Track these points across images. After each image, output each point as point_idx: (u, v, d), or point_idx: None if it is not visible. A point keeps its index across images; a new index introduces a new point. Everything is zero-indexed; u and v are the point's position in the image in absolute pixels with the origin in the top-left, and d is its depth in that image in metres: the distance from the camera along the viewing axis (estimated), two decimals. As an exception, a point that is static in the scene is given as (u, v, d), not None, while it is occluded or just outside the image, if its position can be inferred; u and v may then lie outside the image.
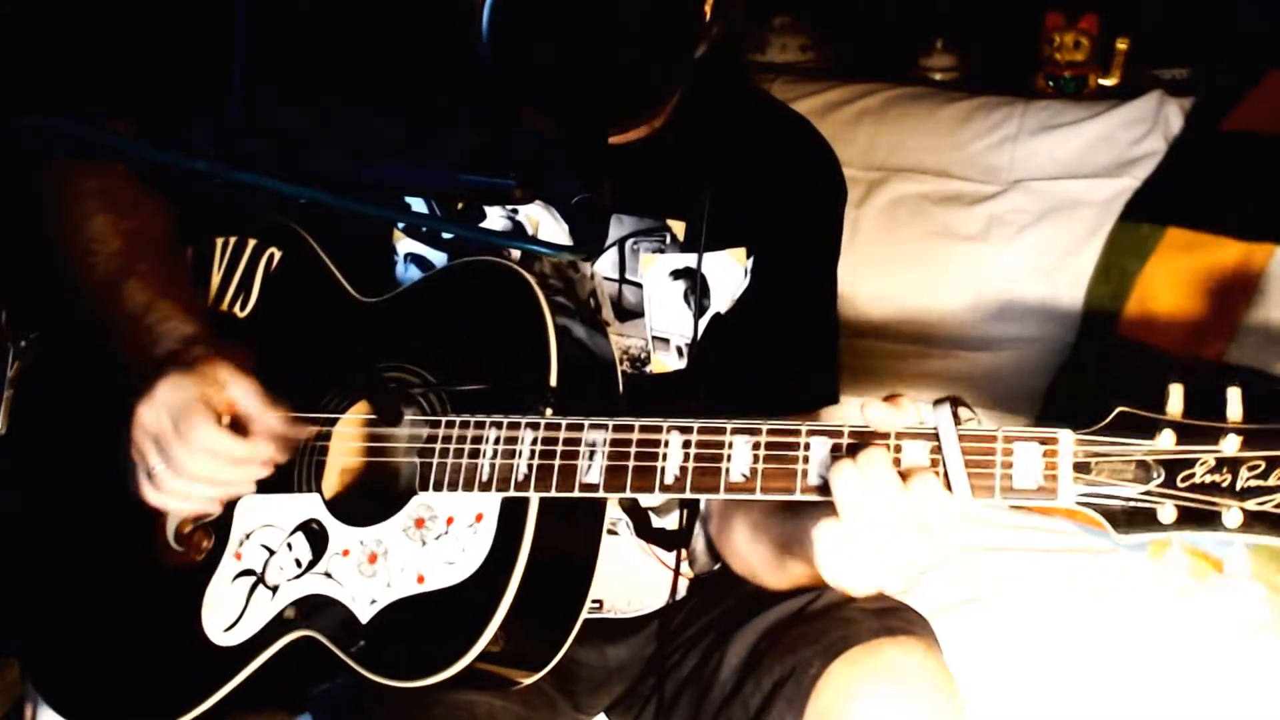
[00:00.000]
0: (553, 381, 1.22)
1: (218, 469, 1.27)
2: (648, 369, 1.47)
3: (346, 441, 1.33)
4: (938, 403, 1.03)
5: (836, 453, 1.07)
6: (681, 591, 1.52)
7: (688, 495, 1.13)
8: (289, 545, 1.30)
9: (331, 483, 1.33)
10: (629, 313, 1.46)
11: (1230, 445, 0.96)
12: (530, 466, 1.18)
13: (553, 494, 1.17)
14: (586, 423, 1.17)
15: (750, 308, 1.48)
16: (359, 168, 1.20)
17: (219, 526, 1.35)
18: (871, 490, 1.02)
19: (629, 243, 1.44)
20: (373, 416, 1.30)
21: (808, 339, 1.50)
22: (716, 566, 1.55)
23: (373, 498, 1.29)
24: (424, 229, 1.46)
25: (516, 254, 1.40)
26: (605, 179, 1.18)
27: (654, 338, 1.47)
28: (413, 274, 1.45)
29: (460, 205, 1.45)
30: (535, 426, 1.19)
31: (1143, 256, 2.19)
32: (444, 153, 1.43)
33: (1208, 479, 0.96)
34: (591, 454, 1.16)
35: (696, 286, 1.44)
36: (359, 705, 1.33)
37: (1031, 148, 2.42)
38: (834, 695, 1.26)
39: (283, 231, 1.46)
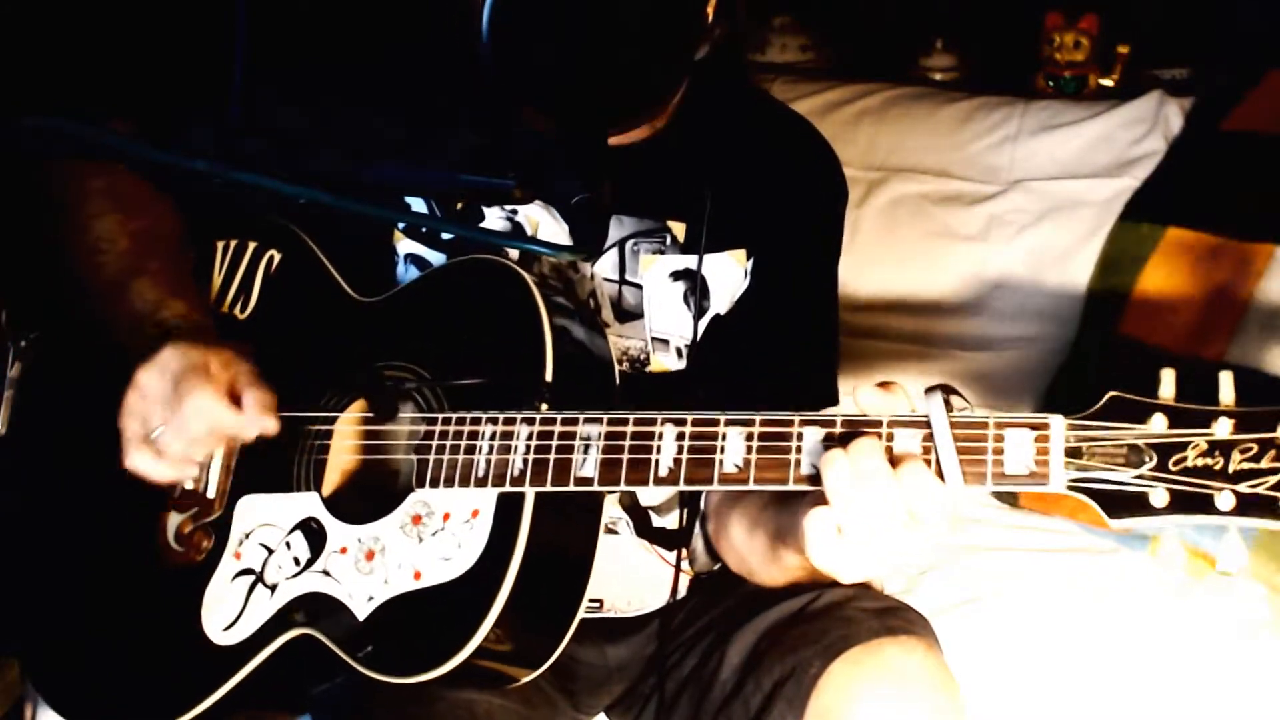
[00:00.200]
0: (548, 377, 1.23)
1: (207, 431, 1.26)
2: (647, 370, 1.47)
3: (345, 440, 1.34)
4: (929, 390, 1.03)
5: (829, 442, 1.07)
6: (682, 591, 1.52)
7: (681, 487, 1.14)
8: (287, 544, 1.30)
9: (330, 481, 1.33)
10: (629, 314, 1.46)
11: (1222, 429, 0.96)
12: (526, 461, 1.19)
13: (548, 488, 1.18)
14: (581, 417, 1.18)
15: (750, 309, 1.48)
16: (359, 168, 1.20)
17: (219, 526, 1.35)
18: (862, 479, 1.02)
19: (629, 244, 1.44)
20: (370, 415, 1.31)
21: (807, 340, 1.50)
22: (716, 566, 1.55)
23: (370, 495, 1.29)
24: (424, 229, 1.46)
25: (515, 254, 1.40)
26: (605, 179, 1.18)
27: (653, 339, 1.47)
28: (413, 275, 1.45)
29: (460, 205, 1.45)
30: (531, 422, 1.20)
31: (1143, 256, 2.19)
32: (444, 153, 1.43)
33: (1200, 462, 0.96)
34: (586, 448, 1.17)
35: (696, 288, 1.44)
36: (359, 705, 1.33)
37: (1031, 148, 2.42)
38: (834, 695, 1.26)
39: (283, 234, 1.46)
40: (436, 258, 1.45)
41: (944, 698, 1.27)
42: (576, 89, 1.21)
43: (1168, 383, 0.99)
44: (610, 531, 1.48)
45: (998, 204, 2.40)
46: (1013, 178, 2.42)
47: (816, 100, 2.61)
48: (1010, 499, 2.11)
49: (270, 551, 1.31)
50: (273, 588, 1.30)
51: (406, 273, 1.47)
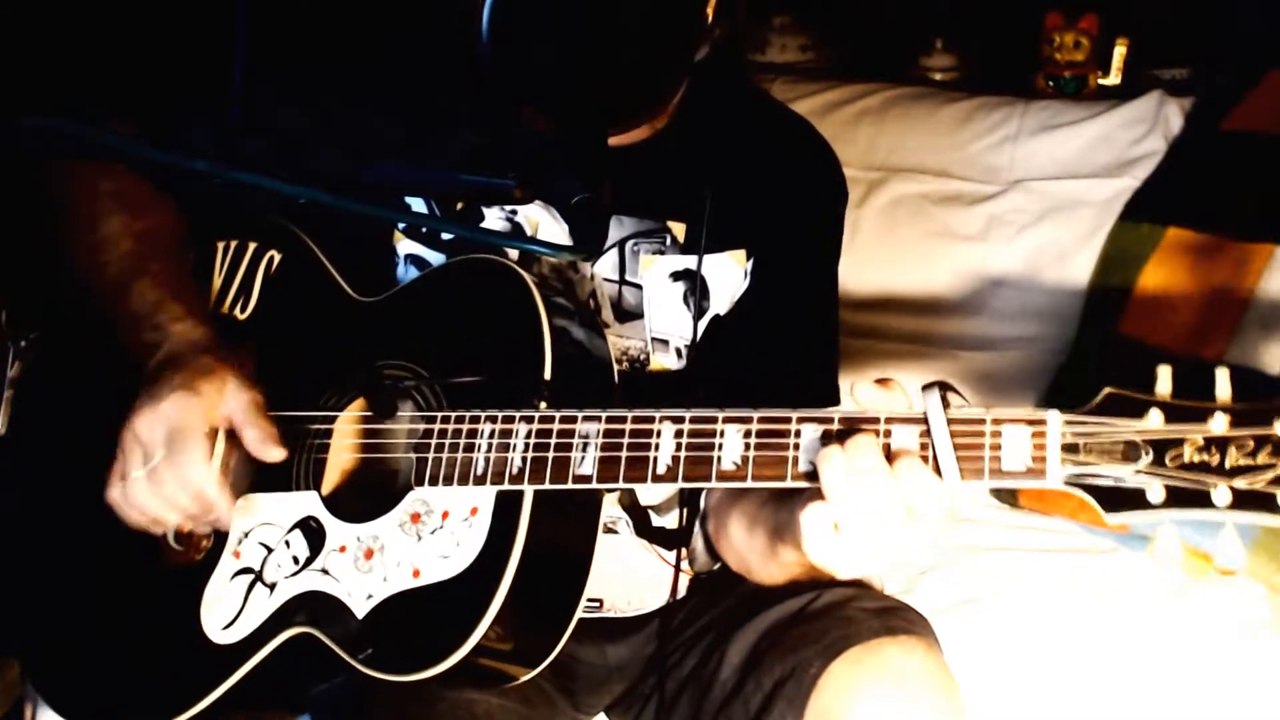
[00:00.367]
0: (547, 375, 1.23)
1: (189, 501, 1.27)
2: (647, 370, 1.47)
3: (344, 439, 1.34)
4: (926, 387, 1.03)
5: (826, 439, 1.07)
6: (682, 590, 1.52)
7: (680, 484, 1.14)
8: (287, 543, 1.30)
9: (329, 480, 1.33)
10: (628, 314, 1.46)
11: (1218, 424, 0.96)
12: (524, 459, 1.19)
13: (547, 486, 1.18)
14: (580, 415, 1.18)
15: (750, 309, 1.48)
16: (359, 168, 1.20)
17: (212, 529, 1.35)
18: (859, 475, 1.02)
19: (629, 244, 1.44)
20: (369, 413, 1.31)
21: (808, 340, 1.50)
22: (716, 566, 1.55)
23: (369, 494, 1.29)
24: (424, 230, 1.46)
25: (515, 255, 1.40)
26: (605, 179, 1.18)
27: (653, 339, 1.47)
28: (413, 275, 1.46)
29: (460, 206, 1.45)
30: (529, 420, 1.20)
31: (1143, 256, 2.19)
32: (444, 153, 1.43)
33: (1196, 458, 0.96)
34: (585, 446, 1.17)
35: (696, 288, 1.44)
36: (358, 705, 1.33)
37: (1031, 148, 2.42)
38: (834, 695, 1.26)
39: (283, 234, 1.46)
40: (436, 258, 1.45)
41: (944, 697, 1.27)
42: (576, 89, 1.21)
43: (1164, 379, 0.99)
44: (610, 531, 1.48)
45: (998, 204, 2.40)
46: (1013, 178, 2.42)
47: (816, 100, 2.61)
48: (1010, 500, 2.11)
49: (269, 550, 1.31)
50: (272, 586, 1.30)
51: (406, 273, 1.47)
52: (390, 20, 1.57)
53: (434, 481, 1.23)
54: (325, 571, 1.27)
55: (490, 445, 1.21)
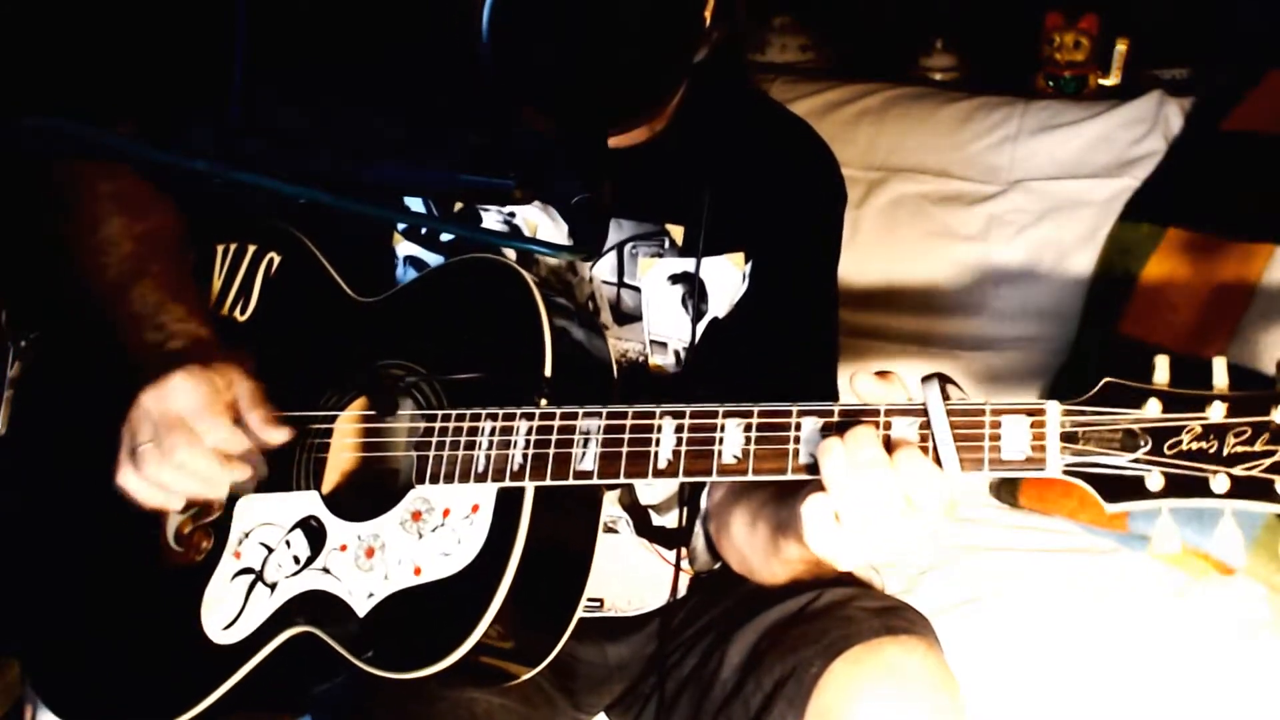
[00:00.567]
0: (547, 372, 1.23)
1: (196, 480, 1.27)
2: (647, 371, 1.47)
3: (344, 438, 1.34)
4: (926, 379, 1.04)
5: (826, 431, 1.07)
6: (682, 590, 1.53)
7: (681, 479, 1.14)
8: (287, 543, 1.30)
9: (330, 480, 1.33)
10: (627, 316, 1.46)
11: (1216, 412, 0.96)
12: (525, 456, 1.19)
13: (548, 482, 1.18)
14: (580, 411, 1.18)
15: (749, 313, 1.48)
16: (359, 168, 1.20)
17: (218, 526, 1.35)
18: (859, 466, 1.02)
19: (627, 247, 1.44)
20: (370, 412, 1.31)
21: (807, 343, 1.50)
22: (717, 565, 1.55)
23: (370, 493, 1.29)
24: (423, 231, 1.46)
25: (513, 256, 1.40)
26: (605, 179, 1.18)
27: (652, 341, 1.47)
28: (411, 277, 1.45)
29: (458, 207, 1.45)
30: (530, 417, 1.20)
31: (1143, 256, 2.19)
32: (444, 153, 1.43)
33: (1194, 446, 0.97)
34: (586, 442, 1.17)
35: (694, 291, 1.44)
36: (359, 705, 1.33)
37: (1031, 148, 2.42)
38: (835, 694, 1.26)
39: (282, 236, 1.46)
40: (435, 260, 1.45)
41: (944, 697, 1.27)
42: (576, 89, 1.21)
43: (1162, 369, 1.00)
44: (610, 530, 1.48)
45: (998, 204, 2.40)
46: (1013, 178, 2.42)
47: (816, 100, 2.61)
48: (1010, 499, 2.10)
49: (270, 550, 1.31)
50: (272, 586, 1.30)
51: (405, 275, 1.47)
52: (390, 20, 1.56)
53: (435, 479, 1.23)
54: (326, 570, 1.27)
55: (491, 442, 1.21)
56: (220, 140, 1.35)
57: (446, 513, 1.23)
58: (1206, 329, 2.02)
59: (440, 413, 1.25)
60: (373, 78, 1.47)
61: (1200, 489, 0.97)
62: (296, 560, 1.29)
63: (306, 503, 1.31)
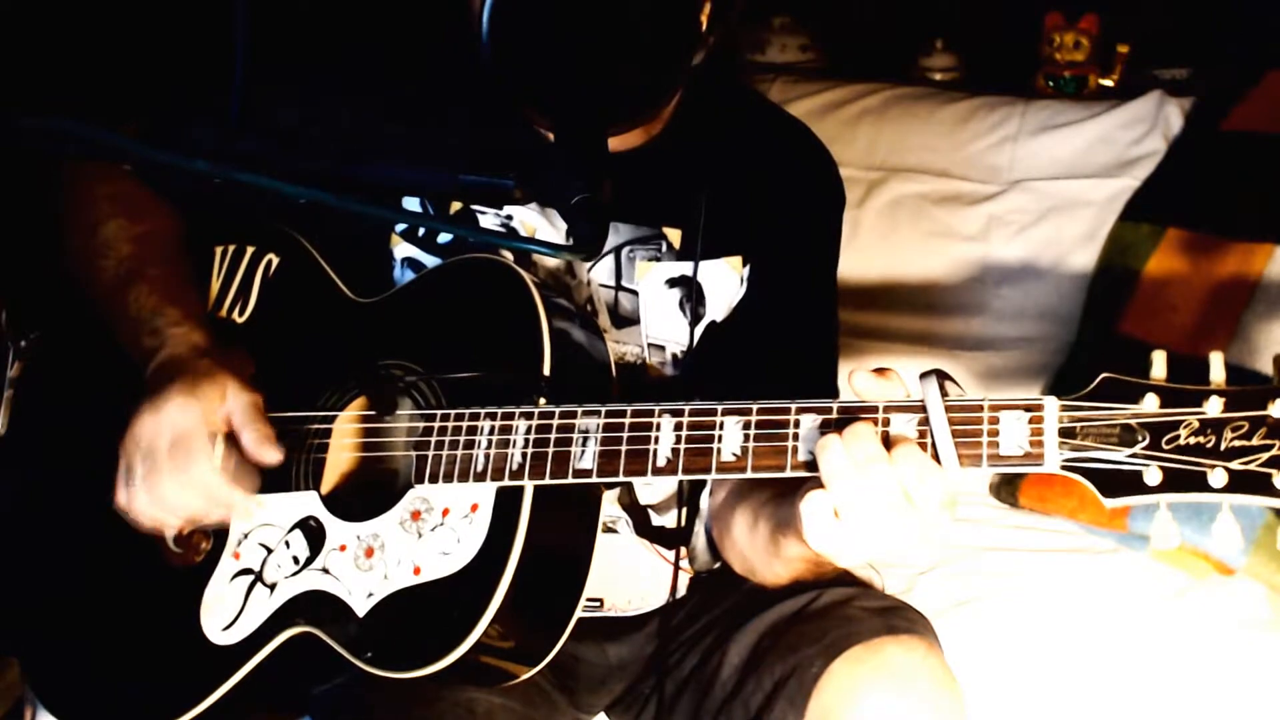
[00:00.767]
0: (546, 371, 1.23)
1: (196, 501, 1.28)
2: (646, 372, 1.47)
3: (343, 438, 1.34)
4: (924, 375, 1.04)
5: (825, 428, 1.08)
6: (682, 590, 1.52)
7: (680, 477, 1.14)
8: (286, 543, 1.30)
9: (329, 480, 1.33)
10: (625, 320, 1.46)
11: (1213, 407, 0.96)
12: (524, 455, 1.19)
13: (547, 481, 1.18)
14: (579, 409, 1.18)
15: (748, 316, 1.48)
16: (359, 168, 1.20)
17: (217, 527, 1.35)
18: (856, 463, 1.02)
19: (625, 250, 1.44)
20: (369, 412, 1.31)
21: (807, 347, 1.50)
22: (717, 565, 1.55)
23: (369, 493, 1.29)
24: (421, 233, 1.46)
25: (510, 256, 1.40)
26: (605, 179, 1.18)
27: (650, 345, 1.47)
28: (409, 278, 1.45)
29: (455, 208, 1.45)
30: (529, 416, 1.20)
31: (1143, 256, 2.19)
32: (444, 153, 1.43)
33: (1192, 441, 0.97)
34: (585, 440, 1.18)
35: (692, 294, 1.44)
36: (359, 705, 1.33)
37: (1031, 148, 2.42)
38: (835, 694, 1.26)
39: (280, 238, 1.46)
40: (433, 261, 1.45)
41: (945, 697, 1.27)
42: (576, 89, 1.21)
43: (1159, 364, 1.00)
44: (609, 530, 1.48)
45: (998, 204, 2.40)
46: (1013, 178, 2.42)
47: (816, 100, 2.61)
48: (1010, 499, 2.10)
49: (269, 551, 1.31)
50: (272, 587, 1.30)
51: (403, 276, 1.47)
52: (390, 20, 1.57)
53: (434, 479, 1.23)
54: (325, 571, 1.27)
55: (490, 441, 1.21)
56: (221, 140, 1.35)
57: (446, 512, 1.23)
58: (1206, 328, 2.02)
59: (439, 412, 1.25)
60: (373, 77, 1.47)
61: (1198, 483, 0.97)
62: (296, 560, 1.29)
63: (305, 503, 1.31)
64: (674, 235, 1.44)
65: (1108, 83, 2.58)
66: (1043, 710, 1.70)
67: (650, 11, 1.21)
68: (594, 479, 1.17)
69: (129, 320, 1.38)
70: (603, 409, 1.18)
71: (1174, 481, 0.97)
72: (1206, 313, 2.05)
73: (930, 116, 2.52)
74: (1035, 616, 1.83)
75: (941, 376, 1.04)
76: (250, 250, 1.47)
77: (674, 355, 1.47)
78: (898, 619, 1.32)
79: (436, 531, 1.23)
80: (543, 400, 1.22)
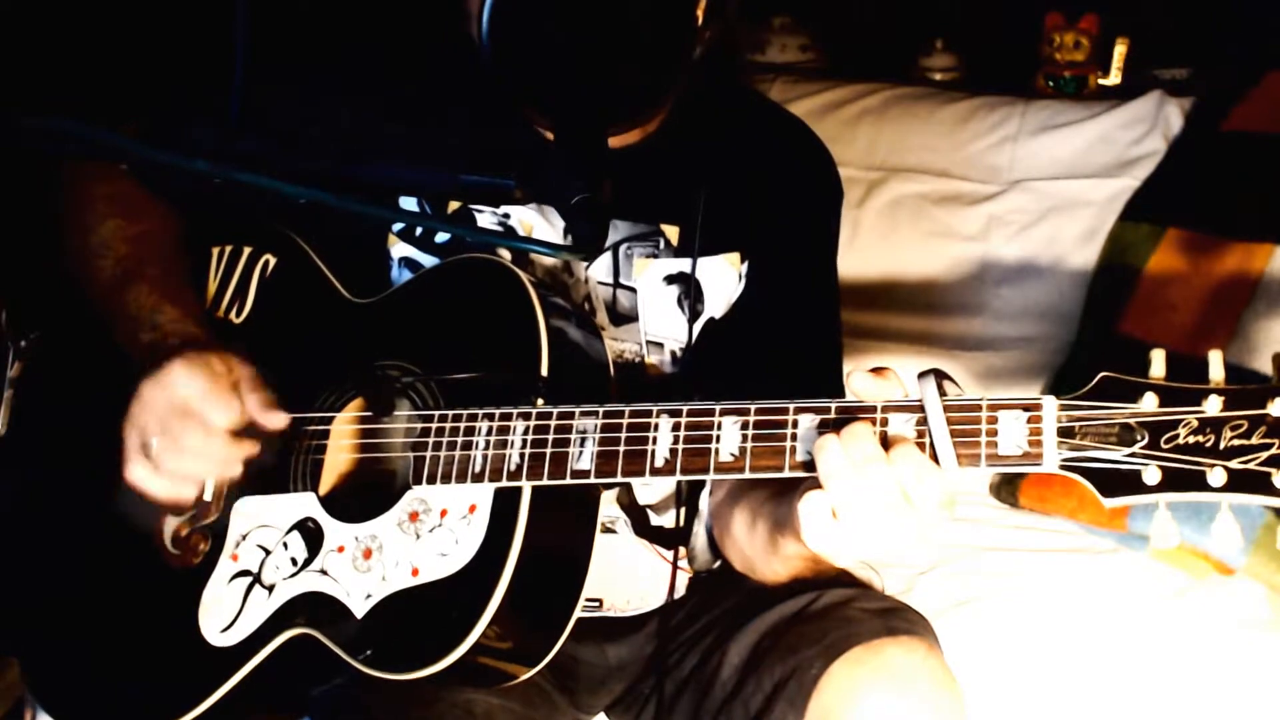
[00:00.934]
0: (543, 371, 1.23)
1: (217, 457, 1.27)
2: (644, 371, 1.47)
3: (341, 439, 1.33)
4: (922, 375, 1.04)
5: (823, 428, 1.08)
6: (681, 590, 1.52)
7: (678, 477, 1.15)
8: (285, 544, 1.30)
9: (327, 481, 1.33)
10: (623, 317, 1.46)
11: (1213, 406, 0.96)
12: (522, 456, 1.19)
13: (545, 482, 1.18)
14: (577, 410, 1.18)
15: (747, 313, 1.48)
16: (358, 167, 1.20)
17: (216, 529, 1.35)
18: (854, 463, 1.02)
19: (622, 247, 1.44)
20: (367, 413, 1.31)
21: (810, 342, 1.50)
22: (716, 564, 1.55)
23: (367, 494, 1.29)
24: (418, 232, 1.46)
25: (508, 256, 1.40)
26: (605, 178, 1.18)
27: (648, 342, 1.47)
28: (406, 278, 1.45)
29: (452, 207, 1.45)
30: (527, 416, 1.20)
31: (1143, 256, 2.19)
32: (444, 153, 1.43)
33: (1191, 440, 0.97)
34: (583, 441, 1.18)
35: (691, 291, 1.44)
36: (358, 706, 1.33)
37: (1031, 148, 2.42)
38: (835, 695, 1.26)
39: (278, 238, 1.46)
40: (430, 261, 1.45)
41: (945, 698, 1.26)
42: (576, 89, 1.21)
43: (1158, 363, 1.00)
44: (608, 531, 1.48)
45: (998, 204, 2.40)
46: (1013, 178, 2.42)
47: (816, 100, 2.61)
48: (1010, 499, 2.10)
49: (267, 552, 1.31)
50: (270, 588, 1.29)
51: (400, 276, 1.46)
52: (390, 20, 1.56)
53: (432, 480, 1.23)
54: (324, 572, 1.27)
55: (488, 442, 1.21)
56: (221, 140, 1.35)
57: (444, 513, 1.23)
58: (1207, 328, 2.02)
59: (437, 413, 1.25)
60: (373, 77, 1.47)
61: (1197, 483, 0.97)
62: (294, 562, 1.29)
63: (303, 504, 1.31)
64: (672, 232, 1.44)
65: (1108, 83, 2.58)
66: (1043, 710, 1.70)
67: (650, 11, 1.20)
68: (592, 479, 1.17)
69: (128, 319, 1.38)
70: (600, 409, 1.18)
71: (1173, 481, 0.97)
72: (1207, 312, 2.05)
73: (930, 116, 2.52)
74: (1035, 616, 1.83)
75: (940, 376, 1.04)
76: (247, 251, 1.47)
77: (673, 353, 1.47)
78: (898, 620, 1.32)
79: (434, 533, 1.23)
80: (540, 400, 1.22)
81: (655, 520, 1.51)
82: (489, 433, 1.22)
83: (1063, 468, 1.01)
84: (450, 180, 1.20)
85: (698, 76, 1.34)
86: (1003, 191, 2.41)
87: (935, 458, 1.03)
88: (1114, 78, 2.58)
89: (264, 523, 1.32)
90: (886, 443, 1.04)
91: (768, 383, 1.43)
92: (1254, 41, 2.40)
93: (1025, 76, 2.62)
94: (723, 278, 1.46)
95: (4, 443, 1.51)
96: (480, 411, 1.23)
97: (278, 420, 1.29)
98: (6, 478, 1.51)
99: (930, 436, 1.03)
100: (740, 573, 1.43)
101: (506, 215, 1.45)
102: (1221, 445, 0.96)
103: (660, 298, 1.45)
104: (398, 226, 1.46)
